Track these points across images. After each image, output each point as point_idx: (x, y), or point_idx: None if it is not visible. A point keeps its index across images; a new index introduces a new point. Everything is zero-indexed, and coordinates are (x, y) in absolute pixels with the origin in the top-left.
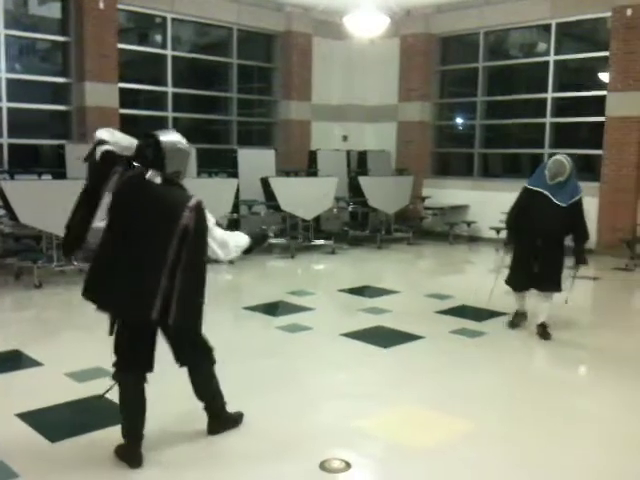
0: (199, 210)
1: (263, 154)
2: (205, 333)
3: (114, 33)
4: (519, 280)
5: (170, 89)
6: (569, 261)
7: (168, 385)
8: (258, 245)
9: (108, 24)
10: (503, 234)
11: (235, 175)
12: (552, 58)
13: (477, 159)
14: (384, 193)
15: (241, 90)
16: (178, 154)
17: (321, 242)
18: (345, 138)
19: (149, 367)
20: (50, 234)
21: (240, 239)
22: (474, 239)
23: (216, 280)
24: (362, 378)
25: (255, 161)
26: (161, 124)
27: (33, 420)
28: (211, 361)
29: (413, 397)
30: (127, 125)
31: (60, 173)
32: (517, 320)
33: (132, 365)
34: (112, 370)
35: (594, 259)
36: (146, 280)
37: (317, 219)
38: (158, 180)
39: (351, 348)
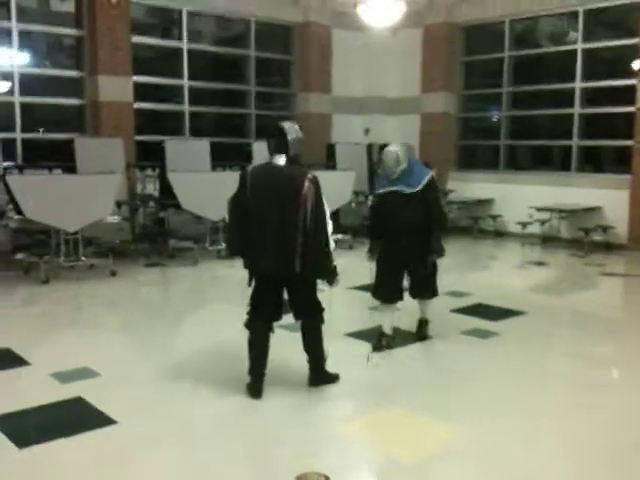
0: (315, 181)
1: None
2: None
3: (127, 26)
4: (390, 290)
5: (186, 82)
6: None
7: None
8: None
9: (120, 17)
10: (529, 229)
11: None
12: (580, 46)
13: (503, 151)
14: None
15: (259, 83)
16: (297, 140)
17: (339, 237)
18: (367, 131)
19: (277, 317)
20: (57, 229)
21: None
22: (500, 234)
23: (228, 276)
24: (359, 379)
25: None
26: (177, 118)
27: (5, 424)
28: (321, 320)
29: (407, 400)
30: (142, 119)
31: (70, 167)
32: (386, 341)
33: (263, 314)
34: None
35: (626, 254)
36: (287, 242)
37: (336, 213)
38: (282, 161)
39: (355, 349)
